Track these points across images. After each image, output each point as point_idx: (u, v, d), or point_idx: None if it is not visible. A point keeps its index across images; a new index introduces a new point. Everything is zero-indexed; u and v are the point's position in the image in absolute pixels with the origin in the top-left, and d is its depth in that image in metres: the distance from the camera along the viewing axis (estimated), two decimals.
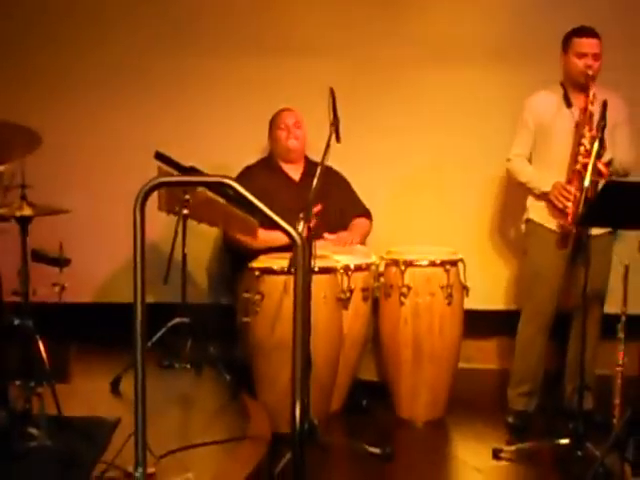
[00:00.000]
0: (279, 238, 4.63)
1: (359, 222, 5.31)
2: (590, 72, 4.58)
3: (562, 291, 4.77)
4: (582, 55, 4.65)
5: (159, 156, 4.72)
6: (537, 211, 4.78)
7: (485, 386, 5.43)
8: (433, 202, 5.77)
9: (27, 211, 3.75)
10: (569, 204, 4.51)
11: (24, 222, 3.78)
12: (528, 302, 4.84)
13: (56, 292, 4.05)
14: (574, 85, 4.71)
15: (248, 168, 5.24)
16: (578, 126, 4.61)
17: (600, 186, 4.12)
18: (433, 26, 5.72)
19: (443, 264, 4.75)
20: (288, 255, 4.20)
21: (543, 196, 4.69)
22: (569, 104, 4.70)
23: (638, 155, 4.80)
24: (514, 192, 5.16)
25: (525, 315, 4.82)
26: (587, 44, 4.66)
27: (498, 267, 5.77)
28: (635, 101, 4.90)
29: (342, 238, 5.11)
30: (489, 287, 5.64)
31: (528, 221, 4.85)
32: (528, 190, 4.81)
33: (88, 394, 4.53)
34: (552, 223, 4.69)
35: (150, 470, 3.28)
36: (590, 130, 4.51)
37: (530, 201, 4.84)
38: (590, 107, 4.54)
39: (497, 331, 5.60)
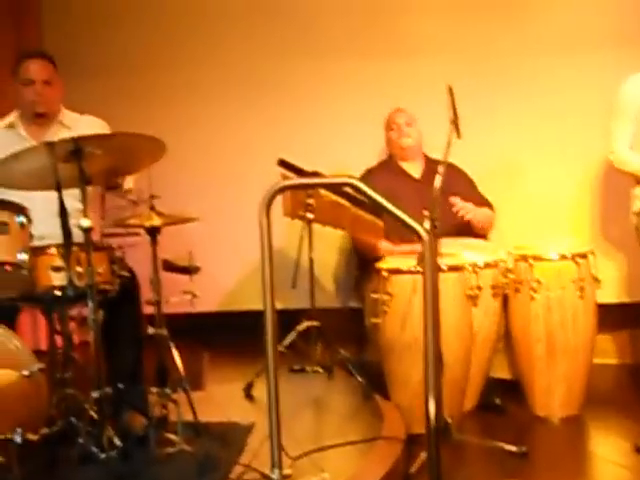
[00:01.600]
0: (401, 252, 4.68)
1: (482, 209, 5.27)
2: None
3: None
4: None
5: (282, 163, 4.76)
6: None
7: (621, 381, 5.29)
8: (557, 194, 5.69)
9: (156, 221, 3.83)
10: None
11: (154, 232, 3.86)
12: None
13: (187, 300, 4.11)
14: None
15: (369, 170, 5.28)
16: None
17: None
18: (550, 18, 5.64)
19: (573, 257, 4.65)
20: (416, 254, 4.20)
21: None
22: None
23: None
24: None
25: None
26: None
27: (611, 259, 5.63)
28: None
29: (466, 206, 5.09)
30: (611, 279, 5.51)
31: None
32: (638, 179, 4.69)
33: (222, 400, 4.61)
34: None
35: (286, 472, 3.31)
36: None
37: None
38: None
39: (626, 324, 5.47)
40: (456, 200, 4.97)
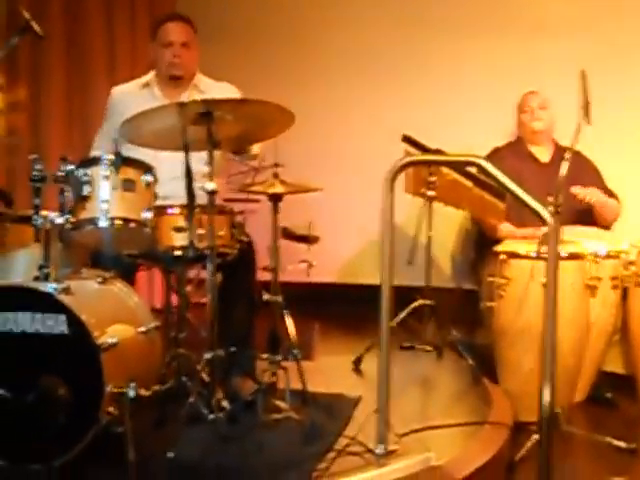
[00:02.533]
0: (523, 235, 4.61)
1: (609, 199, 5.16)
2: None
3: None
4: None
5: (406, 139, 4.73)
6: None
7: None
8: None
9: (279, 189, 3.85)
10: None
11: (276, 199, 3.88)
12: None
13: (304, 270, 4.13)
14: None
15: (496, 149, 5.24)
16: None
17: None
18: None
19: None
20: (534, 239, 4.14)
21: None
22: None
23: None
24: None
25: None
26: None
27: None
28: None
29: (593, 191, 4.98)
30: None
31: None
32: None
33: (331, 371, 4.63)
34: None
35: (391, 447, 3.31)
36: None
37: None
38: None
39: None
40: (577, 189, 4.87)
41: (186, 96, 4.21)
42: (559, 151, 5.08)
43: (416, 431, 3.65)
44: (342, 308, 5.55)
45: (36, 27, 3.93)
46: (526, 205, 2.99)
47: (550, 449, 2.79)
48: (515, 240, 4.64)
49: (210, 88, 4.36)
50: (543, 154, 5.24)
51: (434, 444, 3.53)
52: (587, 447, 4.25)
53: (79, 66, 6.09)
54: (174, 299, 3.99)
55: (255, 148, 4.14)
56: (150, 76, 4.46)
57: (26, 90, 5.81)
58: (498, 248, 4.52)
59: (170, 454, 3.23)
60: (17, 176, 5.47)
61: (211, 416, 3.33)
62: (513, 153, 5.19)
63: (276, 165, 3.87)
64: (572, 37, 5.56)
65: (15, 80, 5.74)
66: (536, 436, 3.68)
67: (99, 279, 3.55)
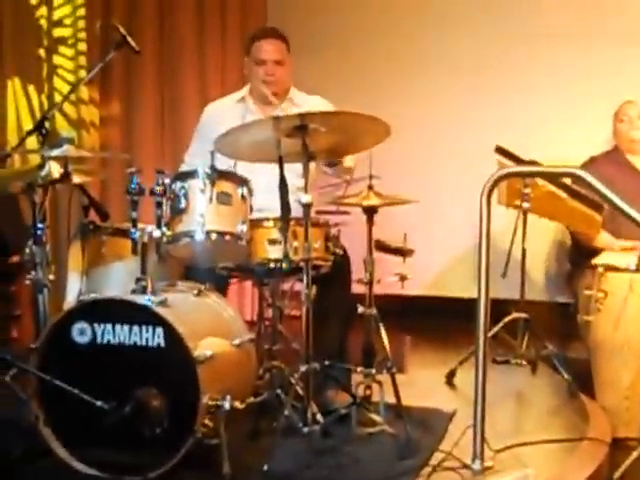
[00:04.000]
0: (622, 247, 4.53)
1: None
2: None
3: None
4: None
5: (499, 150, 4.69)
6: None
7: None
8: None
9: (374, 201, 3.83)
10: None
11: (370, 212, 3.86)
12: None
13: (398, 283, 4.10)
14: None
15: (592, 159, 5.18)
16: None
17: None
18: None
19: None
20: (633, 251, 4.07)
21: None
22: None
23: None
24: None
25: None
26: None
27: None
28: None
29: None
30: None
31: None
32: None
33: (424, 385, 4.60)
34: None
35: (488, 463, 3.27)
36: None
37: None
38: None
39: None
40: None
41: (281, 109, 4.24)
42: None
43: (512, 447, 3.60)
44: (434, 321, 5.52)
45: (132, 42, 3.99)
46: (627, 216, 2.93)
47: None
48: (612, 252, 4.55)
49: (304, 101, 4.38)
50: None
51: (530, 460, 3.49)
52: None
53: (171, 81, 6.17)
54: (268, 312, 3.99)
55: (349, 161, 4.12)
56: (245, 91, 4.49)
57: (119, 105, 5.90)
58: (596, 261, 4.44)
59: (265, 467, 3.23)
60: (111, 189, 5.55)
61: (305, 429, 3.32)
62: (610, 162, 5.12)
63: (371, 177, 3.86)
64: None
65: (109, 95, 5.84)
66: (636, 453, 3.61)
67: (195, 291, 3.58)
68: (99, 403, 3.15)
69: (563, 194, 4.59)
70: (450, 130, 5.88)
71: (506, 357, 4.72)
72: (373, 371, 3.84)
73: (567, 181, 4.55)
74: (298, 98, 4.42)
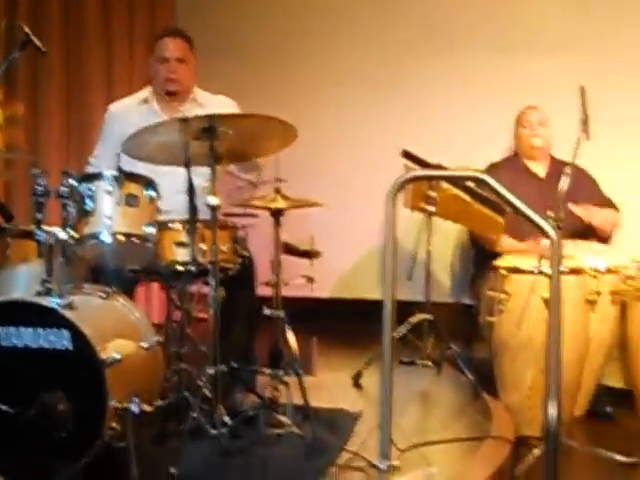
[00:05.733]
0: (524, 249, 4.61)
1: (605, 210, 5.17)
2: None
3: None
4: None
5: (406, 154, 4.74)
6: None
7: None
8: None
9: (281, 203, 3.85)
10: None
11: (277, 214, 3.88)
12: None
13: (305, 285, 4.13)
14: None
15: (493, 165, 5.24)
16: None
17: None
18: None
19: None
20: (534, 254, 4.15)
21: None
22: None
23: None
24: None
25: None
26: None
27: None
28: None
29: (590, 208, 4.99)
30: None
31: None
32: None
33: (331, 386, 4.62)
34: None
35: (394, 463, 3.31)
36: None
37: None
38: None
39: None
40: (573, 207, 4.87)
41: (185, 109, 4.24)
42: (555, 165, 5.10)
43: (417, 446, 3.65)
44: (342, 323, 5.55)
45: (37, 42, 3.94)
46: (529, 219, 3.00)
47: (555, 463, 2.79)
48: (515, 255, 4.64)
49: (208, 101, 4.39)
50: (540, 169, 5.25)
51: (435, 459, 3.55)
52: (588, 461, 4.24)
53: (77, 81, 6.10)
54: (175, 314, 3.98)
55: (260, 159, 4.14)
56: (148, 91, 4.48)
57: (24, 105, 5.81)
58: (499, 263, 4.52)
59: (173, 470, 3.23)
60: (16, 190, 5.47)
61: (213, 431, 3.34)
62: (510, 168, 5.19)
63: (278, 180, 3.88)
64: (571, 53, 5.59)
65: (13, 95, 5.74)
66: (537, 450, 3.69)
67: (102, 294, 3.55)
68: (4, 407, 3.11)
69: (467, 197, 4.65)
70: (357, 134, 5.92)
71: (412, 358, 4.78)
72: (280, 373, 3.87)
73: (471, 185, 4.62)
74: (202, 98, 4.42)
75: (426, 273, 4.78)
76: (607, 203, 5.19)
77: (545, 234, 2.89)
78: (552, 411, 2.61)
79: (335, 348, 5.44)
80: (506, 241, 4.86)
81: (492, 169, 5.15)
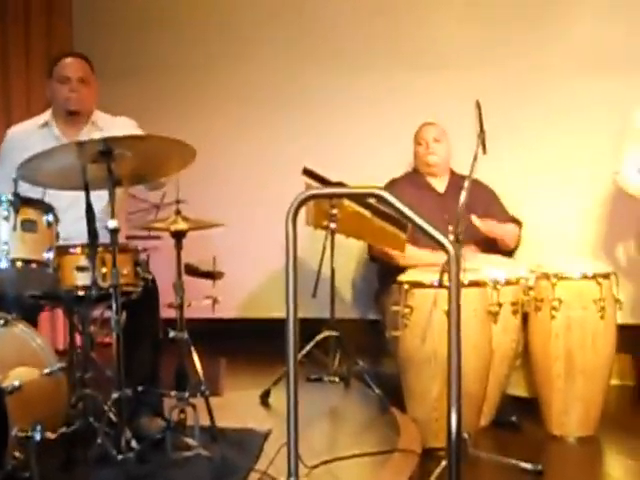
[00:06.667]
0: (427, 256, 4.66)
1: (507, 225, 5.25)
2: None
3: None
4: None
5: (306, 172, 4.76)
6: None
7: (638, 402, 5.27)
8: (582, 211, 5.68)
9: (181, 225, 3.84)
10: None
11: (179, 236, 3.87)
12: None
13: (209, 306, 4.12)
14: None
15: (393, 181, 5.29)
16: None
17: None
18: (577, 36, 5.65)
19: (595, 277, 4.65)
20: (436, 268, 4.20)
21: None
22: None
23: None
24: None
25: None
26: None
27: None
28: None
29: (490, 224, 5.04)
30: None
31: None
32: None
33: (239, 406, 4.62)
34: None
35: None
36: None
37: None
38: None
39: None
40: (476, 220, 4.94)
41: (84, 133, 4.20)
42: (454, 180, 5.17)
43: (326, 462, 3.66)
44: (249, 343, 5.54)
45: None
46: (427, 234, 3.04)
47: (458, 474, 2.83)
48: (418, 269, 4.69)
49: (108, 124, 4.34)
50: (439, 184, 5.31)
51: (344, 475, 3.56)
52: (494, 470, 4.30)
53: None
54: (78, 339, 3.93)
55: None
56: (47, 115, 4.42)
57: None
58: (401, 278, 4.57)
59: None
60: None
61: (120, 456, 3.30)
62: (410, 184, 5.24)
63: (178, 202, 3.87)
64: (468, 68, 5.68)
65: None
66: (445, 462, 3.73)
67: (1, 321, 3.49)
68: None
69: (368, 214, 4.69)
70: (258, 152, 5.91)
71: (319, 375, 4.81)
72: (186, 395, 3.85)
73: (373, 201, 4.65)
74: (102, 121, 4.38)
75: (331, 290, 4.81)
76: (508, 218, 5.27)
77: (444, 249, 2.93)
78: (454, 422, 2.64)
79: (243, 368, 5.42)
80: (409, 250, 4.88)
81: (393, 185, 5.19)
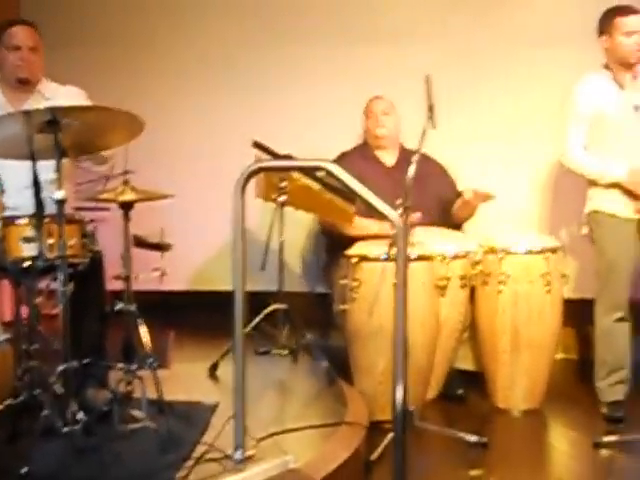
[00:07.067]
0: (375, 227, 4.66)
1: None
2: None
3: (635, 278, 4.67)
4: (631, 33, 4.57)
5: (256, 145, 4.74)
6: (606, 200, 4.65)
7: (583, 376, 5.33)
8: (530, 187, 5.71)
9: (130, 196, 3.81)
10: None
11: (127, 207, 3.84)
12: (604, 293, 4.66)
13: (157, 278, 4.10)
14: (622, 65, 4.64)
15: (343, 154, 5.28)
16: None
17: None
18: (526, 9, 5.68)
19: (542, 252, 4.70)
20: (385, 242, 4.21)
21: (612, 185, 4.60)
22: (621, 86, 4.64)
23: None
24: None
25: (602, 306, 4.66)
26: (634, 21, 4.59)
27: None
28: None
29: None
30: None
31: (594, 213, 4.71)
32: (592, 181, 4.70)
33: (187, 379, 4.60)
34: (627, 210, 4.59)
35: (249, 452, 3.32)
36: None
37: (595, 192, 4.71)
38: None
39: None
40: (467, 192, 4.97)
41: (32, 102, 4.14)
42: (404, 154, 5.17)
43: (273, 435, 3.67)
44: (197, 315, 5.52)
45: None
46: (374, 208, 3.05)
47: (404, 446, 2.85)
48: (366, 243, 4.70)
49: (55, 93, 4.29)
50: (389, 158, 5.32)
51: (292, 447, 3.56)
52: (441, 443, 4.36)
53: None
54: (24, 311, 3.90)
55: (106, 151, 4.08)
56: None
57: None
58: (349, 251, 4.58)
59: (24, 469, 3.15)
60: None
61: (66, 429, 3.28)
62: (360, 157, 5.25)
63: (126, 172, 3.84)
64: (418, 42, 5.67)
65: None
66: (391, 434, 3.77)
67: None
68: None
69: (317, 187, 4.69)
70: (208, 124, 5.86)
71: (268, 348, 4.81)
72: (134, 367, 3.84)
73: (322, 175, 4.65)
74: (49, 90, 4.32)
75: (279, 263, 4.80)
76: (458, 193, 5.27)
77: (390, 222, 2.94)
78: (400, 395, 2.66)
79: (192, 341, 5.41)
80: (358, 221, 4.86)
81: (343, 158, 5.19)
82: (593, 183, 4.70)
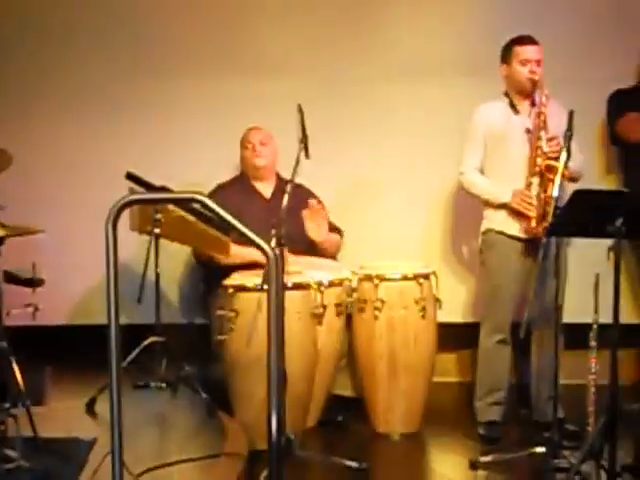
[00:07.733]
0: (250, 254, 4.66)
1: (330, 235, 5.28)
2: (536, 77, 4.72)
3: (519, 301, 4.81)
4: (526, 62, 4.76)
5: (130, 176, 4.71)
6: (496, 220, 4.83)
7: (460, 398, 5.44)
8: (403, 217, 5.78)
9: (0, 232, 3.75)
10: (532, 208, 4.59)
11: None
12: (489, 314, 4.85)
13: (30, 313, 4.04)
14: (519, 93, 4.84)
15: (220, 186, 5.26)
16: (531, 131, 4.73)
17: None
18: (396, 43, 5.76)
19: (416, 277, 4.78)
20: (261, 272, 4.23)
21: (502, 206, 4.77)
22: (516, 111, 4.82)
23: (584, 162, 4.88)
24: (470, 204, 5.17)
25: (486, 327, 4.83)
26: (530, 51, 4.79)
27: (457, 281, 5.76)
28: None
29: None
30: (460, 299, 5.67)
31: (487, 232, 4.89)
32: (485, 202, 4.87)
33: (64, 415, 4.52)
34: (514, 229, 4.75)
35: None
36: (547, 133, 4.64)
37: (488, 212, 4.89)
38: (543, 110, 4.66)
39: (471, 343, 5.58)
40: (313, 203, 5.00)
41: None
42: (281, 184, 5.16)
43: (152, 469, 3.65)
44: (75, 350, 5.41)
45: None
46: (248, 239, 3.07)
47: (280, 476, 2.86)
48: (242, 273, 4.71)
49: None
50: (266, 189, 5.32)
51: None
52: (322, 470, 4.39)
53: None
54: None
55: None
56: None
57: None
58: (226, 282, 4.59)
59: None
60: None
61: None
62: (237, 189, 5.24)
63: None
64: (292, 73, 5.70)
65: None
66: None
67: None
68: None
69: (192, 218, 4.67)
70: (80, 156, 5.71)
71: (146, 381, 4.76)
72: (6, 405, 3.76)
73: (197, 206, 4.63)
74: None
75: (156, 295, 4.77)
76: (332, 227, 5.31)
77: (263, 252, 2.96)
78: (274, 424, 2.67)
79: (70, 376, 5.31)
80: (234, 249, 4.79)
81: (220, 190, 5.19)
82: (487, 203, 4.86)
